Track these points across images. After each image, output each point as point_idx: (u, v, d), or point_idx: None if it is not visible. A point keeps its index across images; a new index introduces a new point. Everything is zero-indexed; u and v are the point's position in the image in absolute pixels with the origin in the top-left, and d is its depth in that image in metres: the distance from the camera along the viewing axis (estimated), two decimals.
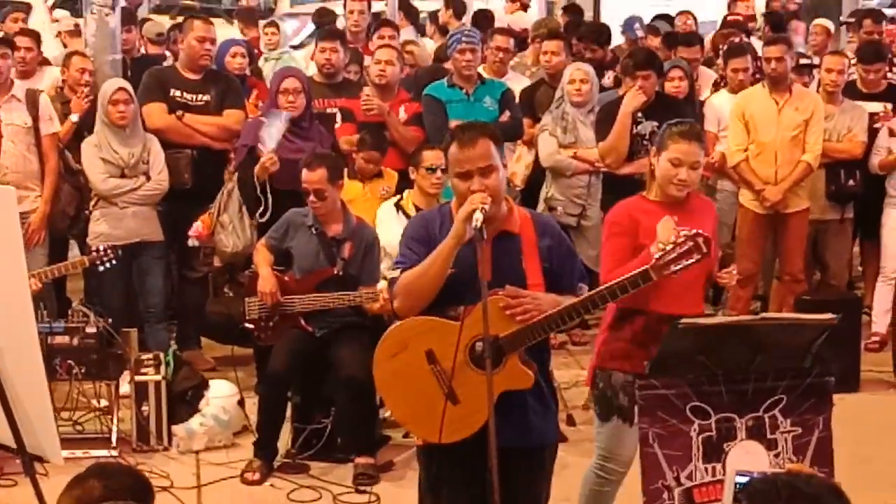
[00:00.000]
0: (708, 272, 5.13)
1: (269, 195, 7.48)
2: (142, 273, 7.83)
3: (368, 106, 8.08)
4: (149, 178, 7.71)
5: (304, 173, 6.83)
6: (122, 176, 7.65)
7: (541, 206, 8.44)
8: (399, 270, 4.50)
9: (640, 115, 7.99)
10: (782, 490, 2.92)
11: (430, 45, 11.45)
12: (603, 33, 10.28)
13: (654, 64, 8.17)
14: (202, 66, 8.16)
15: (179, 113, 8.03)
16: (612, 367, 5.10)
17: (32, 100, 7.90)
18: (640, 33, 11.13)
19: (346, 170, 7.63)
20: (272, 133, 7.49)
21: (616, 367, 5.07)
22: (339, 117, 8.18)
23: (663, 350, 4.64)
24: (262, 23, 11.57)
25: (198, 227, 7.60)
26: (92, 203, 7.75)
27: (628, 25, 11.68)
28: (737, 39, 10.29)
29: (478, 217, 4.29)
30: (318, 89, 8.21)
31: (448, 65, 8.75)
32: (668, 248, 4.49)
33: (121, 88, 7.67)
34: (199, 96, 8.13)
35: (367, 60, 9.01)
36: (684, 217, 4.90)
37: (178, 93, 8.09)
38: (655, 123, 7.86)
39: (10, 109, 7.83)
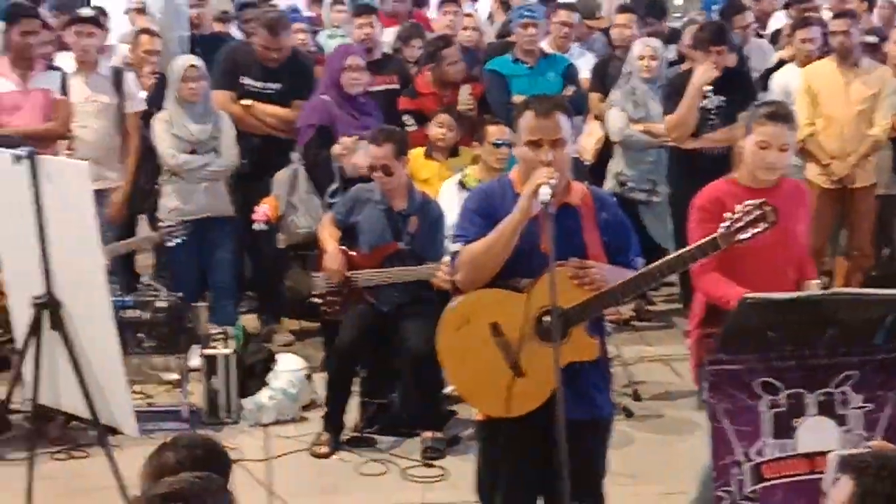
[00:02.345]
0: (797, 263, 5.07)
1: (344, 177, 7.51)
2: (211, 248, 7.87)
3: (468, 106, 8.12)
4: (218, 155, 7.76)
5: (371, 149, 6.86)
6: (193, 152, 7.71)
7: (610, 182, 8.41)
8: (461, 244, 4.50)
9: (707, 89, 7.92)
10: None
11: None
12: (658, 6, 10.21)
13: (726, 38, 8.09)
14: (268, 67, 8.11)
15: (247, 103, 8.05)
16: None
17: (117, 77, 8.00)
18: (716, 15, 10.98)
19: (423, 149, 7.68)
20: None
21: None
22: (411, 120, 8.14)
23: (731, 325, 4.62)
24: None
25: (264, 209, 7.63)
26: (163, 178, 7.81)
27: (706, 4, 11.56)
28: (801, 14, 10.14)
29: (545, 192, 4.29)
30: None
31: (513, 39, 8.73)
32: (735, 216, 4.47)
33: (192, 65, 7.72)
34: (270, 84, 8.12)
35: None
36: (775, 200, 4.74)
37: (249, 81, 8.11)
38: (723, 98, 7.81)
39: (96, 87, 7.93)
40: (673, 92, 8.08)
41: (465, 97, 8.25)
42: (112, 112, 7.93)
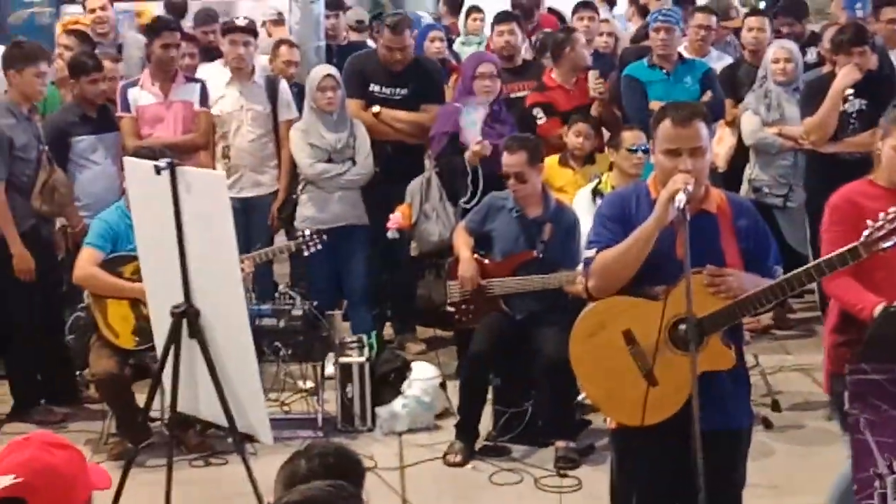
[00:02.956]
0: None
1: (480, 180, 7.51)
2: (347, 256, 7.93)
3: (600, 88, 8.12)
4: (355, 163, 7.81)
5: (505, 156, 6.86)
6: (329, 161, 7.77)
7: (745, 187, 8.28)
8: (595, 250, 4.45)
9: (849, 91, 7.73)
10: None
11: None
12: (800, 7, 9.99)
13: (868, 39, 7.89)
14: (393, 72, 8.15)
15: (377, 110, 8.10)
16: (843, 371, 4.89)
17: (272, 86, 8.13)
18: (860, 13, 10.72)
19: (557, 157, 7.65)
20: (473, 122, 7.52)
21: None
22: (540, 113, 8.11)
23: (875, 334, 4.50)
24: (466, 6, 11.58)
25: (397, 217, 7.67)
26: (300, 187, 7.89)
27: (849, 3, 11.30)
28: None
29: (681, 198, 4.23)
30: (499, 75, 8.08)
31: (649, 44, 8.64)
32: (878, 224, 4.35)
33: (328, 75, 7.79)
34: (398, 90, 8.16)
35: None
36: None
37: (377, 87, 8.16)
38: (865, 101, 7.62)
39: (252, 95, 8.07)
40: (812, 95, 7.89)
41: (594, 82, 8.20)
42: (266, 120, 8.06)
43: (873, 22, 9.88)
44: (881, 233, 4.35)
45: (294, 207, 7.94)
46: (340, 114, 7.81)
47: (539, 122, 8.06)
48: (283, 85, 8.19)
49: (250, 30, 8.32)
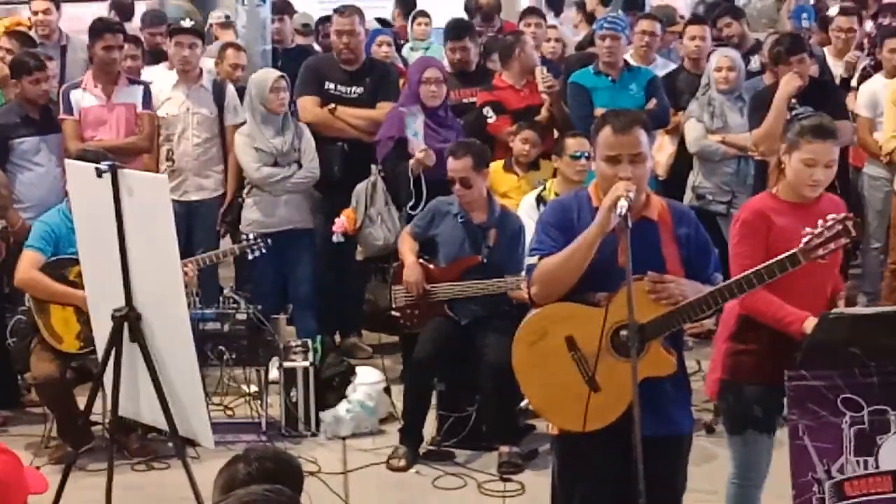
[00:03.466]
0: (834, 285, 5.00)
1: (423, 186, 7.51)
2: (292, 260, 7.91)
3: (549, 82, 8.15)
4: (300, 166, 7.79)
5: (450, 161, 6.86)
6: (275, 164, 7.75)
7: (689, 195, 8.32)
8: (537, 257, 4.48)
9: (794, 101, 7.81)
10: None
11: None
12: (737, 10, 10.09)
13: (804, 47, 7.98)
14: (344, 59, 8.17)
15: (332, 106, 8.08)
16: (741, 379, 4.92)
17: (219, 90, 8.09)
18: (805, 23, 10.82)
19: (502, 162, 7.66)
20: (415, 132, 7.53)
21: (746, 380, 4.90)
22: (490, 112, 8.15)
23: (813, 341, 4.55)
24: (413, 13, 11.60)
25: (342, 222, 7.65)
26: (245, 191, 7.86)
27: (796, 13, 11.40)
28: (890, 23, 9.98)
29: (622, 205, 4.25)
30: (449, 80, 8.11)
31: (595, 51, 8.67)
32: (817, 231, 4.39)
33: (281, 76, 7.78)
34: (353, 88, 8.15)
35: None
36: (813, 216, 4.67)
37: (332, 85, 8.15)
38: (810, 109, 7.68)
39: (198, 99, 8.03)
40: (758, 107, 7.95)
41: (543, 76, 8.23)
42: (211, 124, 8.03)
43: (818, 32, 10.01)
44: (820, 240, 4.40)
45: (239, 211, 7.91)
46: (285, 117, 7.80)
47: (489, 120, 8.10)
48: (230, 89, 8.16)
49: (196, 32, 8.29)
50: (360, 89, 8.16)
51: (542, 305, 4.52)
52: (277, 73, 7.89)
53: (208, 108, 8.03)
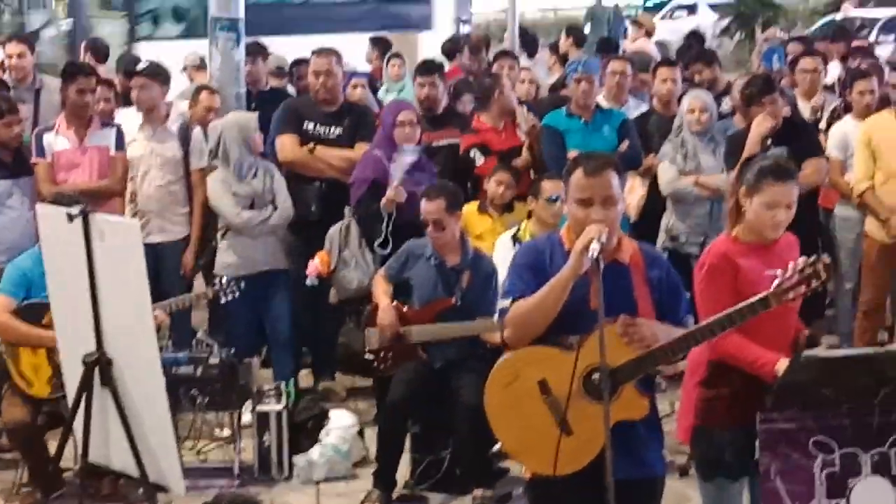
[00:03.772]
0: (797, 330, 5.03)
1: (389, 227, 7.52)
2: (269, 301, 7.89)
3: (532, 122, 8.24)
4: (276, 207, 7.80)
5: (423, 203, 6.88)
6: (251, 206, 7.75)
7: (662, 237, 8.35)
8: (510, 300, 4.48)
9: (768, 141, 7.86)
10: None
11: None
12: (708, 54, 10.17)
13: (775, 88, 8.04)
14: (321, 100, 8.22)
15: (311, 146, 8.10)
16: (713, 424, 4.92)
17: (185, 132, 8.09)
18: (776, 65, 10.91)
19: (476, 204, 7.68)
20: (402, 166, 7.54)
21: (719, 425, 4.90)
22: (478, 154, 8.19)
23: (784, 382, 4.56)
24: (387, 55, 11.65)
25: (315, 264, 7.64)
26: (220, 234, 7.85)
27: (766, 56, 11.50)
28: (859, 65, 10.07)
29: (594, 248, 4.26)
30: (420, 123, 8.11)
31: (567, 93, 8.72)
32: (788, 275, 4.41)
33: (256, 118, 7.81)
34: (332, 129, 8.18)
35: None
36: (773, 256, 4.74)
37: (311, 125, 8.17)
38: (785, 148, 7.72)
39: (163, 140, 8.03)
40: (734, 149, 8.00)
41: (525, 116, 8.33)
42: (176, 166, 8.02)
43: (789, 74, 10.09)
44: (791, 283, 4.42)
45: (213, 254, 7.89)
46: (255, 159, 7.81)
47: (478, 163, 8.15)
48: (197, 131, 8.17)
49: (151, 72, 8.28)
50: (339, 130, 8.19)
51: (515, 348, 4.52)
52: (251, 113, 7.90)
53: (172, 150, 8.03)
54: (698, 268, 4.99)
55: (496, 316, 4.62)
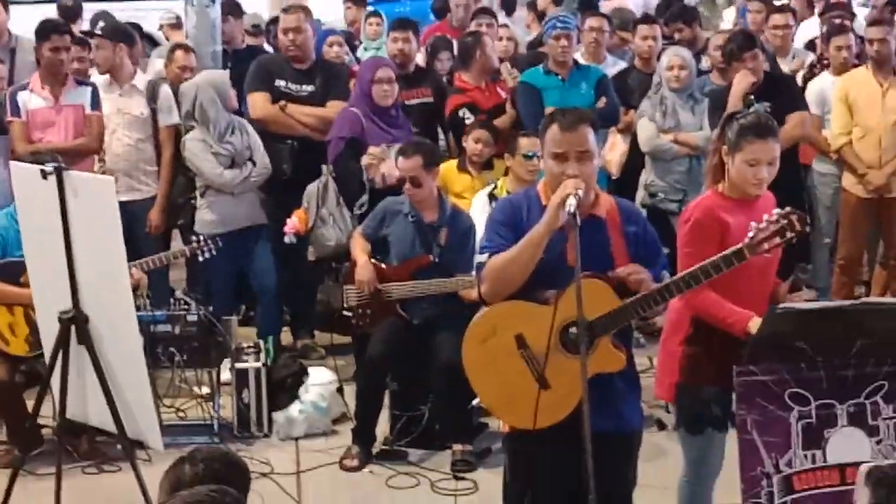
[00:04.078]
0: (774, 284, 5.04)
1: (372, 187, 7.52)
2: (252, 256, 7.88)
3: (517, 77, 8.29)
4: (255, 164, 7.77)
5: (400, 161, 6.87)
6: (232, 165, 7.72)
7: (641, 193, 8.36)
8: (487, 255, 4.48)
9: (751, 97, 7.85)
10: None
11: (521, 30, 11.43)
12: (689, 12, 10.14)
13: (756, 43, 8.03)
14: (292, 56, 8.18)
15: (283, 103, 8.08)
16: (699, 381, 4.91)
17: (153, 90, 8.03)
18: (748, 20, 10.87)
19: (455, 162, 7.67)
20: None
21: (704, 381, 4.89)
22: (467, 113, 8.17)
23: (761, 336, 4.57)
24: (365, 12, 11.59)
25: (294, 222, 7.62)
26: (199, 192, 7.82)
27: (743, 11, 11.46)
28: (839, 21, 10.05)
29: (571, 203, 4.27)
30: None
31: (545, 50, 8.70)
32: (761, 226, 4.42)
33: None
34: (304, 87, 8.16)
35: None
36: (756, 213, 4.71)
37: (283, 83, 8.15)
38: (767, 104, 7.72)
39: (130, 99, 7.97)
40: (717, 106, 7.99)
41: (510, 72, 8.40)
42: (143, 125, 7.97)
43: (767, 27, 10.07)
44: (765, 234, 4.43)
45: (192, 213, 7.86)
46: (230, 116, 7.79)
47: (467, 122, 8.12)
48: (164, 89, 8.09)
49: (107, 33, 8.22)
50: (310, 87, 8.17)
51: (492, 303, 4.52)
52: (222, 71, 7.85)
53: (140, 108, 7.97)
54: (683, 222, 4.97)
55: (473, 271, 4.62)
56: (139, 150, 7.97)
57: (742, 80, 7.76)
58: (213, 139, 7.66)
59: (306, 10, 8.33)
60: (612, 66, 9.05)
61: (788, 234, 4.42)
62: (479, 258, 4.56)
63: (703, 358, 4.88)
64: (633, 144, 8.52)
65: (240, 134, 7.74)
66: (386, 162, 7.42)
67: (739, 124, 4.89)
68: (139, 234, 7.78)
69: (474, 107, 8.21)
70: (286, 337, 8.29)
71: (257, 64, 8.37)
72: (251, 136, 7.80)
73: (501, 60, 9.03)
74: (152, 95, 8.01)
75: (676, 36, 9.70)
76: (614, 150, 8.63)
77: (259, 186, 7.89)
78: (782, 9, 9.95)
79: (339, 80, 8.32)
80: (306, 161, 7.94)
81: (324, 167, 7.72)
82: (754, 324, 4.64)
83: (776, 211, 4.45)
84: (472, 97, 8.28)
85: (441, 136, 8.52)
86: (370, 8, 11.75)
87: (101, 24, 8.60)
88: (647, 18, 9.53)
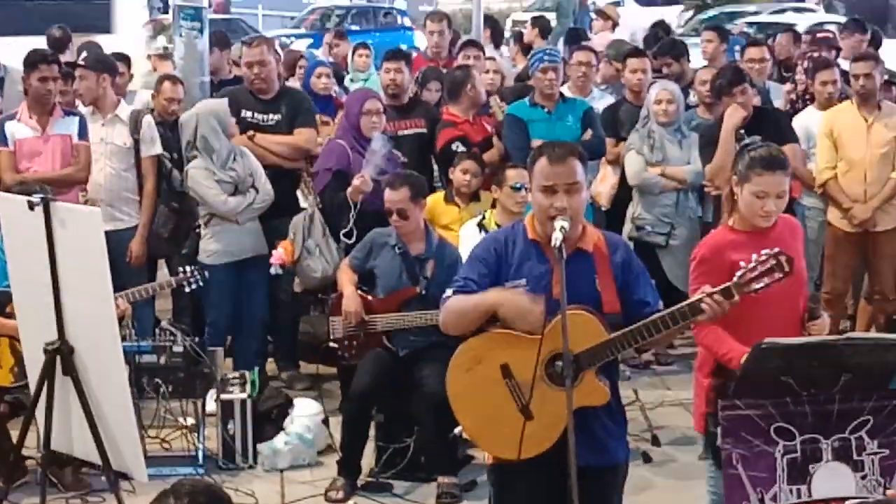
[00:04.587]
0: (802, 299, 5.05)
1: (354, 216, 7.52)
2: (251, 286, 7.89)
3: (503, 111, 8.36)
4: (257, 191, 7.78)
5: (387, 192, 6.88)
6: (235, 192, 7.72)
7: (628, 226, 8.39)
8: (452, 290, 4.54)
9: (741, 131, 7.89)
10: None
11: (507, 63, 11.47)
12: (678, 47, 10.19)
13: (745, 78, 8.07)
14: (257, 89, 8.22)
15: (251, 133, 8.10)
16: None
17: (136, 121, 8.03)
18: (738, 56, 10.93)
19: (443, 194, 7.67)
20: (378, 157, 7.52)
21: None
22: (460, 147, 8.16)
23: (746, 370, 4.58)
24: (353, 43, 11.63)
25: (280, 254, 7.63)
26: (203, 221, 7.82)
27: (730, 48, 11.49)
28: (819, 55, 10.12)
29: (557, 237, 4.29)
30: (386, 113, 8.10)
31: (531, 83, 8.73)
32: (750, 266, 4.43)
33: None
34: (270, 116, 8.20)
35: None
36: (770, 243, 4.70)
37: (249, 113, 8.18)
38: (758, 138, 7.74)
39: (113, 128, 7.97)
40: (708, 142, 8.04)
41: (499, 105, 8.46)
42: (126, 155, 7.96)
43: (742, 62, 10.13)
44: (753, 274, 4.43)
45: (196, 242, 7.84)
46: (231, 144, 7.79)
47: (462, 153, 8.10)
48: (147, 119, 8.09)
49: (89, 64, 8.21)
50: (276, 116, 8.21)
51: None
52: (222, 100, 7.83)
53: (123, 138, 7.97)
54: (692, 259, 5.06)
55: (441, 302, 4.64)
56: (122, 180, 7.96)
57: (733, 115, 7.80)
58: (217, 167, 7.66)
59: (268, 42, 8.35)
60: (599, 100, 9.10)
61: (776, 275, 4.42)
62: (447, 291, 4.61)
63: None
64: (623, 177, 8.55)
65: (241, 161, 7.75)
66: (363, 179, 7.44)
67: (750, 156, 4.94)
68: (120, 264, 7.73)
69: (466, 140, 8.23)
70: (270, 368, 8.27)
71: (222, 96, 8.36)
72: (252, 163, 7.82)
73: (489, 94, 9.07)
74: (135, 126, 8.01)
75: (664, 70, 9.74)
76: (605, 182, 8.67)
77: None
78: (757, 42, 10.00)
79: (303, 107, 8.37)
80: (278, 189, 7.96)
81: (309, 197, 7.73)
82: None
83: (764, 251, 4.44)
84: (463, 130, 8.29)
85: (436, 166, 8.53)
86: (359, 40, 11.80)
87: (84, 54, 8.57)
88: (636, 52, 9.57)
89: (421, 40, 12.91)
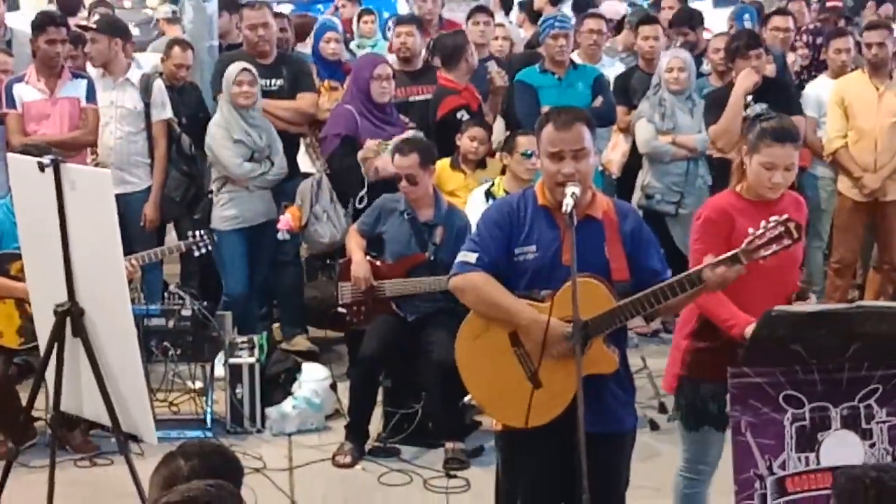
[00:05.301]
0: (794, 276, 5.04)
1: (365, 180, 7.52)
2: (260, 252, 7.90)
3: (504, 76, 8.32)
4: (272, 163, 7.76)
5: (396, 158, 6.86)
6: (251, 159, 7.71)
7: (637, 194, 8.37)
8: (475, 257, 4.48)
9: (749, 97, 7.85)
10: (870, 489, 2.88)
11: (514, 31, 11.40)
12: (693, 17, 10.13)
13: (761, 43, 8.03)
14: (261, 52, 8.18)
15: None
16: (699, 376, 4.93)
17: (146, 84, 8.02)
18: (748, 24, 10.86)
19: (449, 160, 7.65)
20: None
21: (704, 377, 4.90)
22: (465, 115, 8.10)
23: (756, 338, 4.57)
24: (357, 9, 11.56)
25: (287, 219, 7.63)
26: (216, 186, 7.80)
27: (738, 16, 11.43)
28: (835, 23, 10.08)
29: (568, 202, 4.28)
30: (398, 77, 8.09)
31: (541, 50, 8.69)
32: (759, 232, 4.41)
33: (245, 69, 7.68)
34: (273, 81, 8.18)
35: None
36: (769, 214, 4.65)
37: None
38: (765, 105, 7.72)
39: (123, 92, 7.96)
40: (714, 104, 8.01)
41: (496, 72, 8.42)
42: (136, 118, 7.95)
43: (764, 31, 10.07)
44: (761, 241, 4.40)
45: (210, 207, 7.84)
46: (257, 112, 7.76)
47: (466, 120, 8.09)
48: (158, 83, 8.08)
49: (100, 27, 8.16)
50: (279, 81, 8.20)
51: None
52: (243, 65, 7.75)
53: (133, 102, 7.96)
54: (696, 218, 5.00)
55: (455, 265, 4.59)
56: (131, 143, 7.95)
57: (746, 79, 7.77)
58: (236, 126, 7.62)
59: (269, 6, 8.33)
60: (609, 67, 9.06)
61: (785, 242, 4.40)
62: (466, 256, 4.54)
63: (705, 354, 4.90)
64: (634, 145, 8.53)
65: (264, 132, 7.72)
66: (381, 156, 7.41)
67: (761, 127, 4.89)
68: (130, 227, 7.75)
69: (468, 108, 8.19)
70: (279, 333, 8.29)
71: (220, 63, 8.31)
72: (273, 136, 7.79)
73: (497, 60, 9.03)
74: (146, 90, 8.00)
75: (681, 39, 9.67)
76: (616, 150, 8.64)
77: None
78: (783, 11, 9.95)
79: (304, 72, 8.37)
80: (285, 155, 7.95)
81: (317, 163, 7.72)
82: (750, 329, 4.63)
83: (773, 218, 4.41)
84: (465, 98, 8.25)
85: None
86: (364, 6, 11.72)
87: (95, 17, 8.53)
88: (648, 19, 9.51)
89: (403, 6, 12.77)
